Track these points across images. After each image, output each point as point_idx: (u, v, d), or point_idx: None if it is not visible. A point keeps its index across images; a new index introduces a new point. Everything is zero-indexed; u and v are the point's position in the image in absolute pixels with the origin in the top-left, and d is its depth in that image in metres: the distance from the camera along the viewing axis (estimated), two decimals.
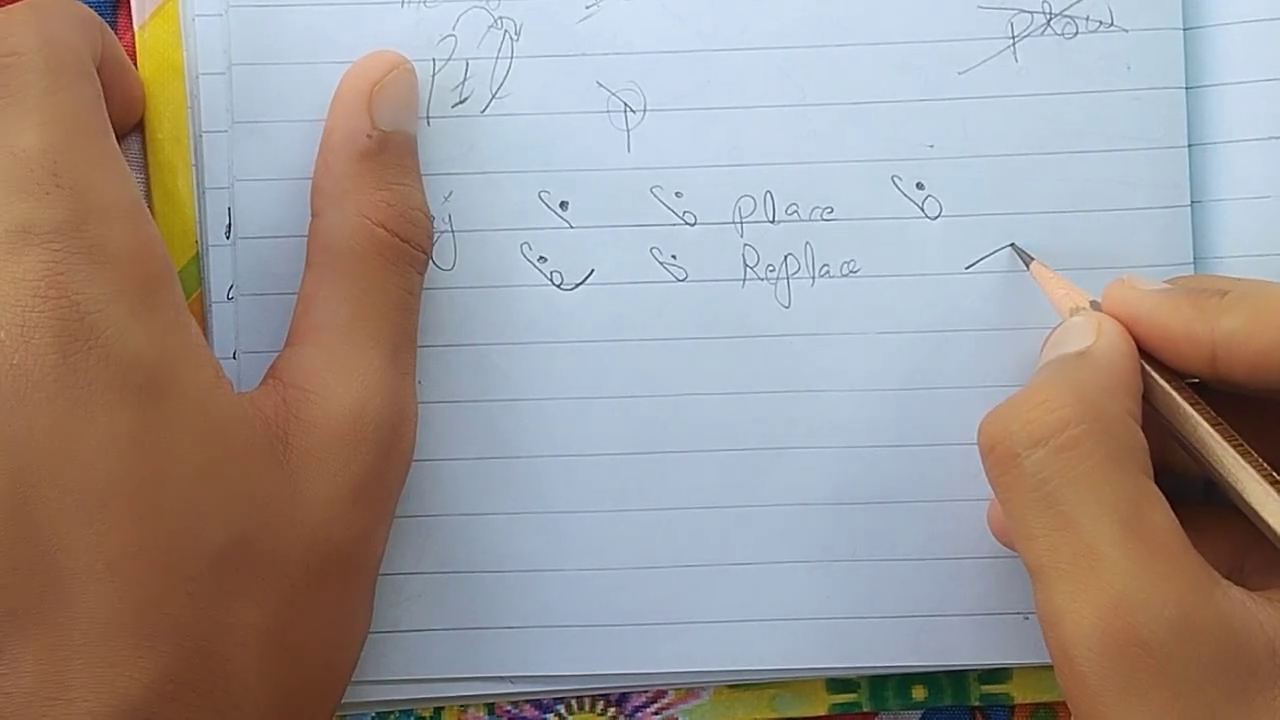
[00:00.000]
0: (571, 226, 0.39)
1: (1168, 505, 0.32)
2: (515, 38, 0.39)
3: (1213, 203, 0.39)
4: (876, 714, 0.40)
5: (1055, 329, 0.36)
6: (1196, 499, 0.37)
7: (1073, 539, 0.31)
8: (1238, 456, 0.33)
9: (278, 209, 0.39)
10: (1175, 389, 0.34)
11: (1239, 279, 0.36)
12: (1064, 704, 0.40)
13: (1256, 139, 0.39)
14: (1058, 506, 0.32)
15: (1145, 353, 0.35)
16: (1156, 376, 0.34)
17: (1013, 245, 0.39)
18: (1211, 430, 0.33)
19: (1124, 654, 0.30)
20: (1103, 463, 0.32)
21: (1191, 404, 0.34)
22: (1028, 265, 0.38)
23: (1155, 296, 0.35)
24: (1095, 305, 0.36)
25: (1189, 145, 0.39)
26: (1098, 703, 0.31)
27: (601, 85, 0.39)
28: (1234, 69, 0.39)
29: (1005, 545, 0.38)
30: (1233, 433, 0.33)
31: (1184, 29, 0.39)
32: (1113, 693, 0.30)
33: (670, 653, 0.39)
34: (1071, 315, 0.36)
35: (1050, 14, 0.39)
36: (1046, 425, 0.32)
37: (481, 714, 0.40)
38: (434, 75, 0.39)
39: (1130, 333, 0.35)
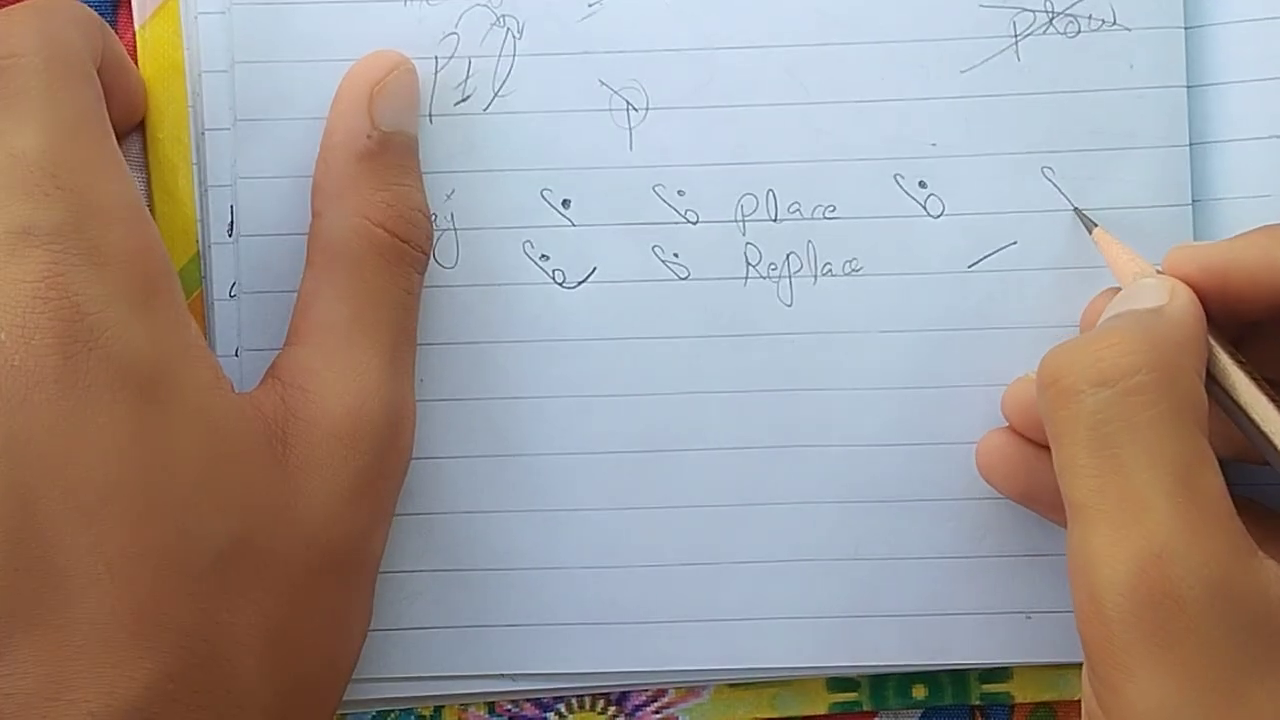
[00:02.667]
0: (573, 225, 0.39)
1: (1219, 469, 0.32)
2: (518, 36, 0.39)
3: (1214, 201, 0.39)
4: (876, 713, 0.40)
5: (1125, 289, 0.35)
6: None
7: (1122, 483, 0.31)
8: None
9: (280, 207, 0.39)
10: (1237, 363, 0.34)
11: None
12: (1064, 703, 0.40)
13: (1257, 138, 0.39)
14: (1112, 449, 0.31)
15: (1211, 323, 0.34)
16: (1220, 349, 0.34)
17: (1076, 210, 0.39)
18: (1270, 404, 0.33)
19: (1157, 605, 0.30)
20: (1166, 414, 0.31)
21: (1252, 378, 0.34)
22: (1090, 231, 0.38)
23: (1226, 242, 0.35)
24: (1159, 274, 0.36)
25: (1190, 144, 0.39)
26: (1120, 650, 0.30)
27: (604, 83, 0.39)
28: (1235, 68, 0.39)
29: (992, 484, 0.38)
30: None
31: (1185, 28, 0.39)
32: (1138, 642, 0.30)
33: (671, 651, 0.39)
34: (1132, 277, 0.36)
35: (1053, 12, 0.39)
36: (1117, 367, 0.32)
37: (482, 713, 0.40)
38: (436, 73, 0.39)
39: (1201, 287, 0.34)
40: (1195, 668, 0.30)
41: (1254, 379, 0.34)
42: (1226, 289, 0.34)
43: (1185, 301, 0.34)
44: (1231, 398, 0.34)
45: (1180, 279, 0.35)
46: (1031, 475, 0.38)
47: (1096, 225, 0.38)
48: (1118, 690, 0.31)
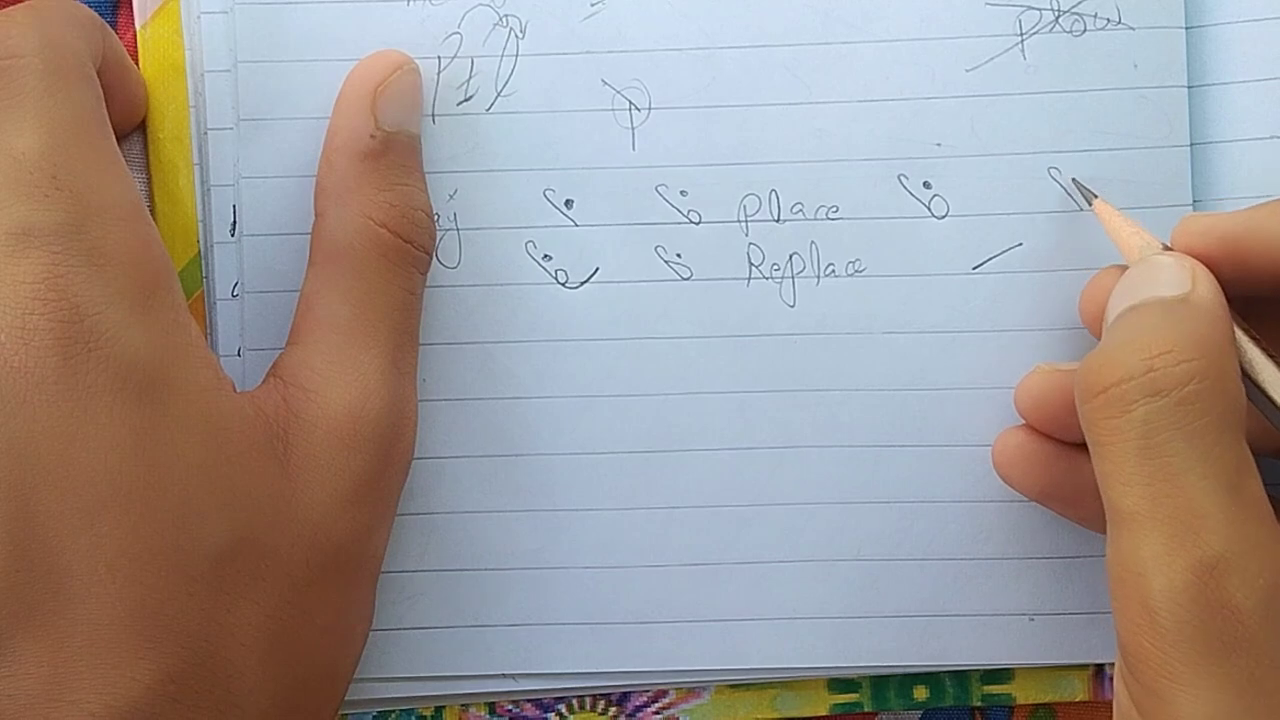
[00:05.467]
0: (576, 225, 0.39)
1: (1258, 474, 0.31)
2: (520, 35, 0.39)
3: (1215, 202, 0.39)
4: (877, 714, 0.40)
5: (1135, 267, 0.34)
6: None
7: (1175, 493, 0.31)
8: None
9: (283, 206, 0.39)
10: (1252, 339, 0.33)
11: None
12: (1064, 705, 0.40)
13: (1258, 138, 0.39)
14: (1164, 458, 0.31)
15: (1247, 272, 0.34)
16: (1240, 332, 0.33)
17: (1074, 180, 0.38)
18: None
19: (1213, 615, 0.30)
20: (1216, 422, 0.31)
21: (1270, 356, 0.33)
22: (1090, 202, 0.38)
23: (1237, 214, 0.34)
24: (1165, 248, 0.35)
25: (1191, 144, 0.39)
26: (1173, 659, 0.30)
27: (606, 83, 0.39)
28: (1236, 68, 0.39)
29: (1009, 483, 0.38)
30: None
31: (1186, 28, 0.39)
32: (1193, 652, 0.30)
33: (672, 651, 0.39)
34: (1140, 251, 0.35)
35: (1059, 11, 0.39)
36: (1172, 377, 0.31)
37: (483, 713, 0.40)
38: (439, 73, 0.39)
39: (1215, 261, 0.34)
40: (1251, 678, 0.30)
41: (1274, 359, 0.33)
42: (1244, 263, 0.34)
43: (1210, 288, 0.33)
44: (1263, 391, 0.33)
45: (1194, 253, 0.34)
46: (1050, 473, 0.37)
47: (1096, 196, 0.37)
48: (1168, 700, 0.30)
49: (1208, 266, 0.33)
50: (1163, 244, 0.35)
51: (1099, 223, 0.37)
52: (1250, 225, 0.34)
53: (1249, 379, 0.33)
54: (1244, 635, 0.30)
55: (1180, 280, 0.33)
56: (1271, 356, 0.33)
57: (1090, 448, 0.33)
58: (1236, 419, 0.31)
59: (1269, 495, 0.33)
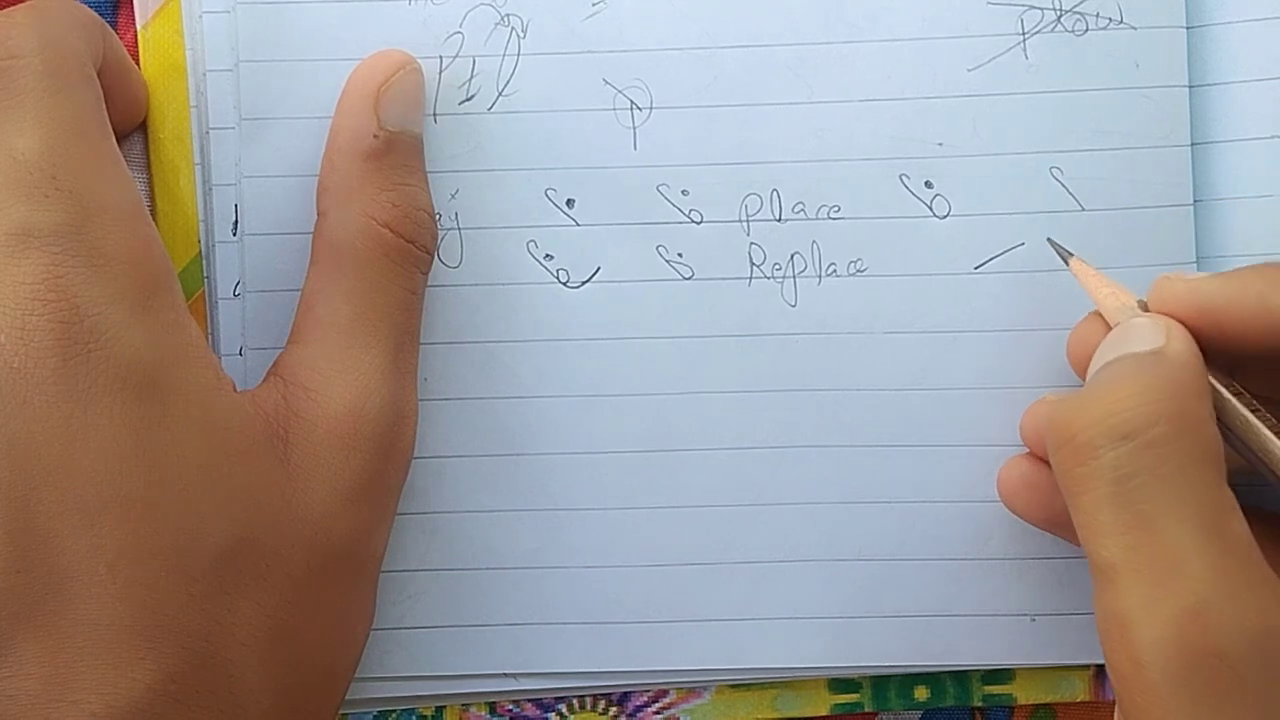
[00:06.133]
0: (578, 224, 0.39)
1: (1242, 515, 0.31)
2: (522, 35, 0.39)
3: (1215, 202, 0.39)
4: (877, 714, 0.40)
5: (1115, 329, 0.35)
6: None
7: (1151, 540, 0.30)
8: None
9: (285, 206, 0.39)
10: (1235, 394, 0.33)
11: None
12: (1065, 705, 0.40)
13: (1260, 138, 0.39)
14: (1138, 505, 0.30)
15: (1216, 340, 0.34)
16: (1218, 383, 0.33)
17: (1049, 240, 0.38)
18: (1276, 439, 0.32)
19: (1201, 663, 0.29)
20: (1187, 464, 0.31)
21: (1253, 410, 0.33)
22: (1066, 261, 0.38)
23: (1217, 279, 0.34)
24: (1142, 304, 0.35)
25: (1192, 144, 0.39)
26: (1166, 711, 0.30)
27: (608, 83, 0.39)
28: (1237, 68, 0.39)
29: (1015, 512, 0.38)
30: None
31: (1188, 28, 0.39)
32: (1185, 702, 0.29)
33: (672, 651, 0.39)
34: (1119, 314, 0.35)
35: (1061, 10, 0.39)
36: (1135, 420, 0.31)
37: (483, 713, 0.40)
38: (440, 72, 0.39)
39: (1193, 325, 0.33)
40: None
41: (1256, 412, 0.33)
42: (1221, 330, 0.33)
43: (1184, 342, 0.33)
44: (1239, 436, 0.33)
45: (1171, 315, 0.34)
46: (1055, 502, 0.37)
47: (1072, 255, 0.38)
48: None
49: (1186, 328, 0.33)
50: (1140, 301, 0.35)
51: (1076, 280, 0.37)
52: (1228, 293, 0.33)
53: (1227, 427, 0.33)
54: (1235, 682, 0.29)
55: (1154, 337, 0.33)
56: (1247, 403, 0.33)
57: (1067, 502, 0.33)
58: (1212, 461, 0.31)
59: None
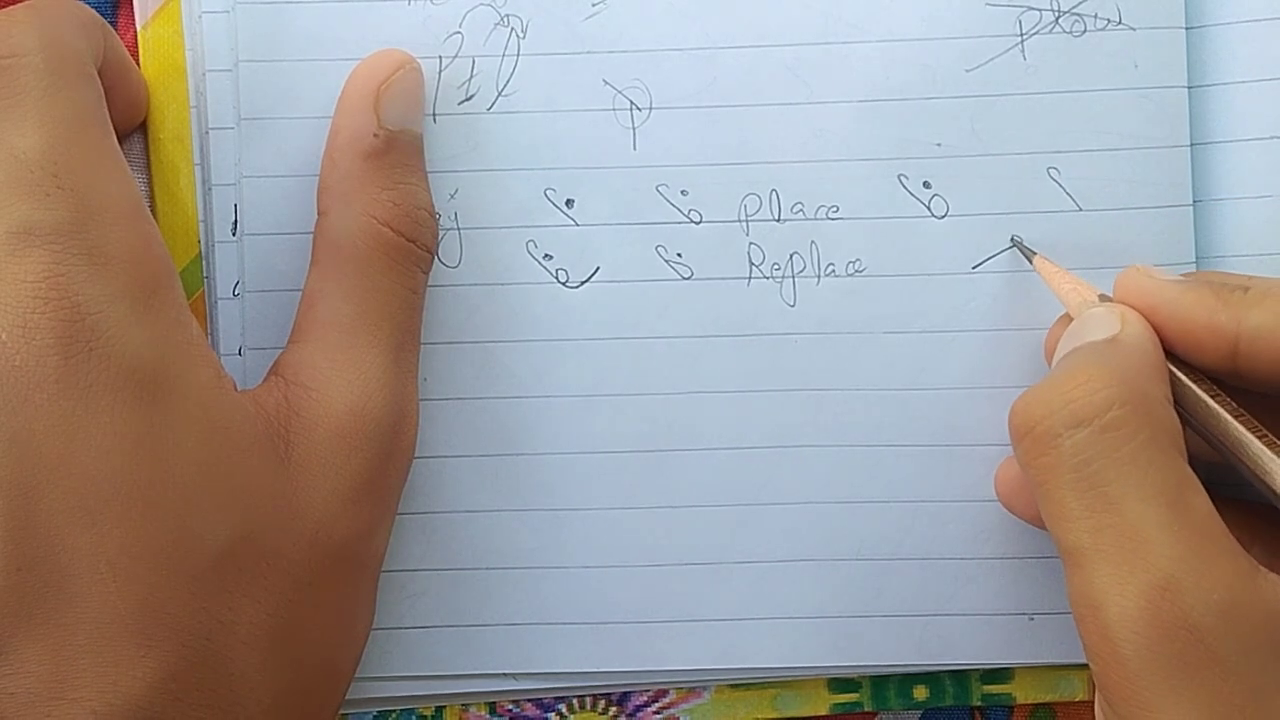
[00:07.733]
0: (577, 224, 0.39)
1: (1204, 490, 0.31)
2: (521, 35, 0.39)
3: (1214, 202, 0.39)
4: (877, 714, 0.40)
5: (1074, 321, 0.35)
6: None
7: (1117, 520, 0.31)
8: (1264, 448, 0.32)
9: (284, 205, 0.39)
10: (1194, 380, 0.34)
11: (1252, 276, 0.36)
12: (1064, 704, 0.40)
13: (1259, 138, 0.39)
14: (1100, 488, 0.31)
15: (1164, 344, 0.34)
16: (1176, 369, 0.34)
17: (1014, 240, 0.39)
18: (1235, 422, 0.33)
19: (1172, 637, 0.30)
20: (1146, 444, 0.31)
21: (1212, 395, 0.33)
22: (1030, 260, 0.38)
23: (1175, 287, 0.34)
24: (1104, 299, 0.36)
25: (1191, 144, 0.39)
26: (1141, 687, 0.30)
27: (607, 83, 0.39)
28: (1236, 68, 0.39)
29: (1013, 511, 0.38)
30: (1256, 424, 0.33)
31: (1187, 28, 0.39)
32: (1159, 677, 0.30)
33: (672, 651, 0.39)
34: (1080, 309, 0.36)
35: (1059, 11, 0.39)
36: (1090, 405, 0.31)
37: (483, 713, 0.40)
38: (440, 72, 0.39)
39: (1149, 322, 0.34)
40: (1218, 695, 0.30)
41: (1216, 396, 0.33)
42: (1165, 334, 0.34)
43: (1139, 328, 0.34)
44: (1201, 421, 0.34)
45: (1130, 305, 0.34)
46: None
47: (1036, 254, 0.38)
48: None
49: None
50: (1100, 294, 0.36)
51: (1042, 279, 0.38)
52: (1175, 306, 0.34)
53: (1188, 412, 0.33)
54: (1206, 653, 0.30)
55: (1110, 324, 0.34)
56: (1206, 387, 0.34)
57: (1035, 494, 0.33)
58: (1170, 440, 0.32)
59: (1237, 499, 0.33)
